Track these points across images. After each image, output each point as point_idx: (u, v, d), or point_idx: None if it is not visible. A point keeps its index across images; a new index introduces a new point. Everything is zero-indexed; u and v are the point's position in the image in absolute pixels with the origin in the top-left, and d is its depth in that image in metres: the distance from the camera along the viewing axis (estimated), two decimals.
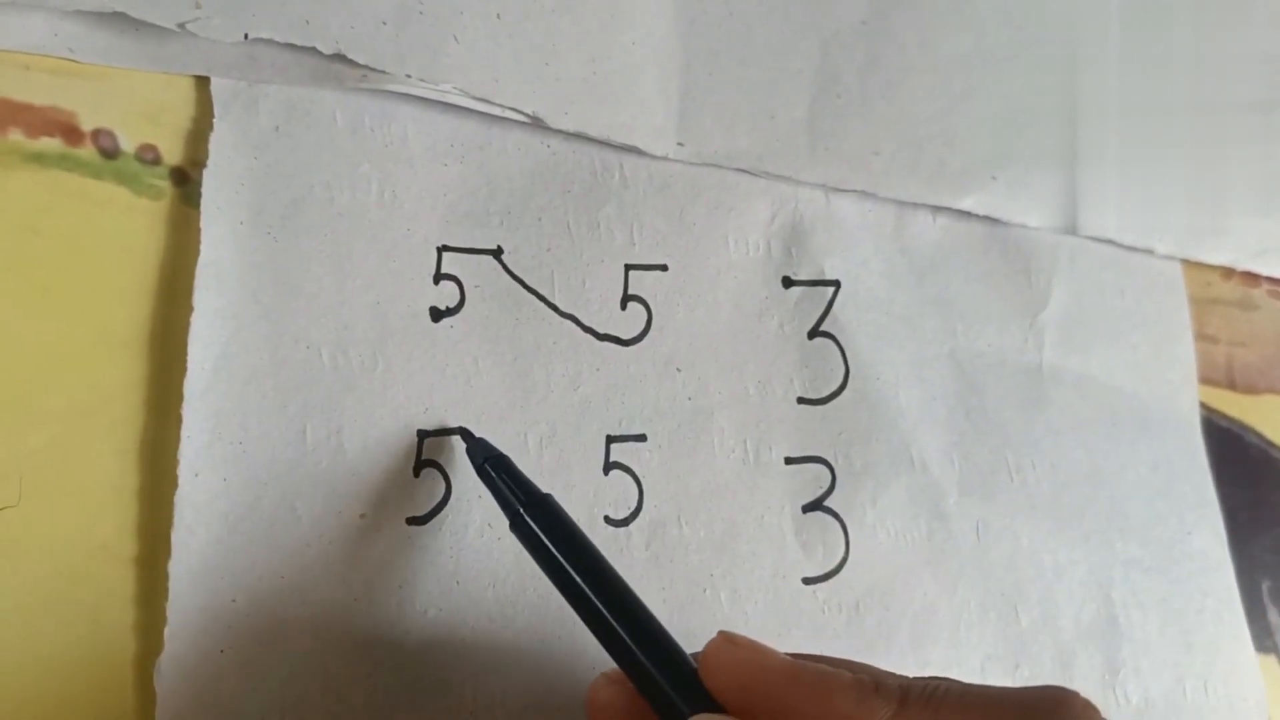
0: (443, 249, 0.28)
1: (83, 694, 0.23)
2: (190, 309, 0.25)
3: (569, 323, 0.29)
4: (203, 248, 0.25)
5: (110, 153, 0.26)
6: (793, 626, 0.30)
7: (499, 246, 0.29)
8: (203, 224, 0.26)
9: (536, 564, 0.25)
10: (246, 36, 0.26)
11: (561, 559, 0.24)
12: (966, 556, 0.33)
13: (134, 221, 0.26)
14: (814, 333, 0.32)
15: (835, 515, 0.31)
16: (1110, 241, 0.37)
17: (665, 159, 0.31)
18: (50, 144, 0.25)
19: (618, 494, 0.29)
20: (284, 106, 0.27)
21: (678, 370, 0.30)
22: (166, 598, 0.24)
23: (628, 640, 0.23)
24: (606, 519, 0.29)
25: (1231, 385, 0.39)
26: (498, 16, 0.29)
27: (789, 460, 0.31)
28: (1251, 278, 0.40)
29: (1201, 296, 0.39)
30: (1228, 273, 0.39)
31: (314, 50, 0.27)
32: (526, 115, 0.29)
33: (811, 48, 0.33)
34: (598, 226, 0.30)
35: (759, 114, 0.32)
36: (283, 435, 0.25)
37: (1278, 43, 0.40)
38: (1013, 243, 0.36)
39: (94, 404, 0.25)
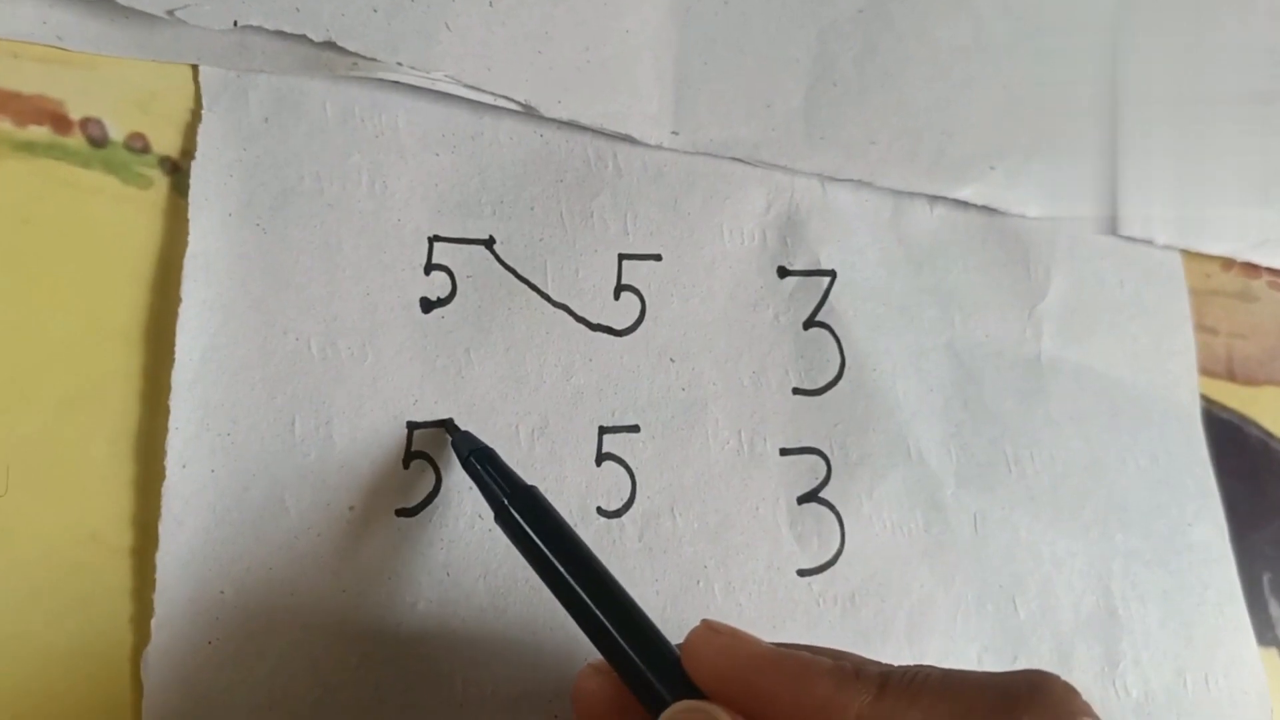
0: (434, 239, 0.28)
1: (76, 685, 0.24)
2: (179, 299, 0.25)
3: (562, 313, 0.29)
4: (191, 239, 0.25)
5: (99, 141, 0.26)
6: (787, 618, 0.30)
7: (491, 236, 0.29)
8: (191, 215, 0.25)
9: (522, 556, 0.25)
10: (236, 24, 0.26)
11: (546, 550, 0.24)
12: (964, 548, 0.33)
13: (123, 210, 0.26)
14: (809, 323, 0.32)
15: (831, 507, 0.31)
16: (1110, 232, 0.37)
17: (660, 148, 0.31)
18: (39, 132, 0.25)
19: (610, 485, 0.29)
20: (273, 97, 0.27)
21: (671, 361, 0.30)
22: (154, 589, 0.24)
23: (611, 630, 0.23)
24: (599, 510, 0.29)
25: (1231, 377, 0.38)
26: (490, 4, 0.29)
27: (784, 451, 0.31)
28: (1252, 269, 0.39)
29: (1201, 287, 0.38)
30: (1228, 264, 0.39)
31: (304, 38, 0.27)
32: (519, 104, 0.29)
33: (808, 36, 0.33)
34: (591, 216, 0.30)
35: (755, 102, 0.32)
36: (271, 427, 0.25)
37: (1278, 33, 0.39)
38: (1011, 233, 0.35)
39: (84, 393, 0.24)
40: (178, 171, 0.26)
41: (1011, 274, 0.35)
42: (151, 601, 0.24)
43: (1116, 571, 0.34)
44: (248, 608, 0.25)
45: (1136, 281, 0.37)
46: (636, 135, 0.30)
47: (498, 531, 0.26)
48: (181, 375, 0.25)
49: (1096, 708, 0.31)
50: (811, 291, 0.32)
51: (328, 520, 0.26)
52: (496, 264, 0.29)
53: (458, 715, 0.26)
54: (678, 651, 0.23)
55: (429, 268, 0.28)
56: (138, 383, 0.25)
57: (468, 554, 0.27)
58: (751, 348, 0.31)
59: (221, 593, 0.24)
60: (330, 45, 0.27)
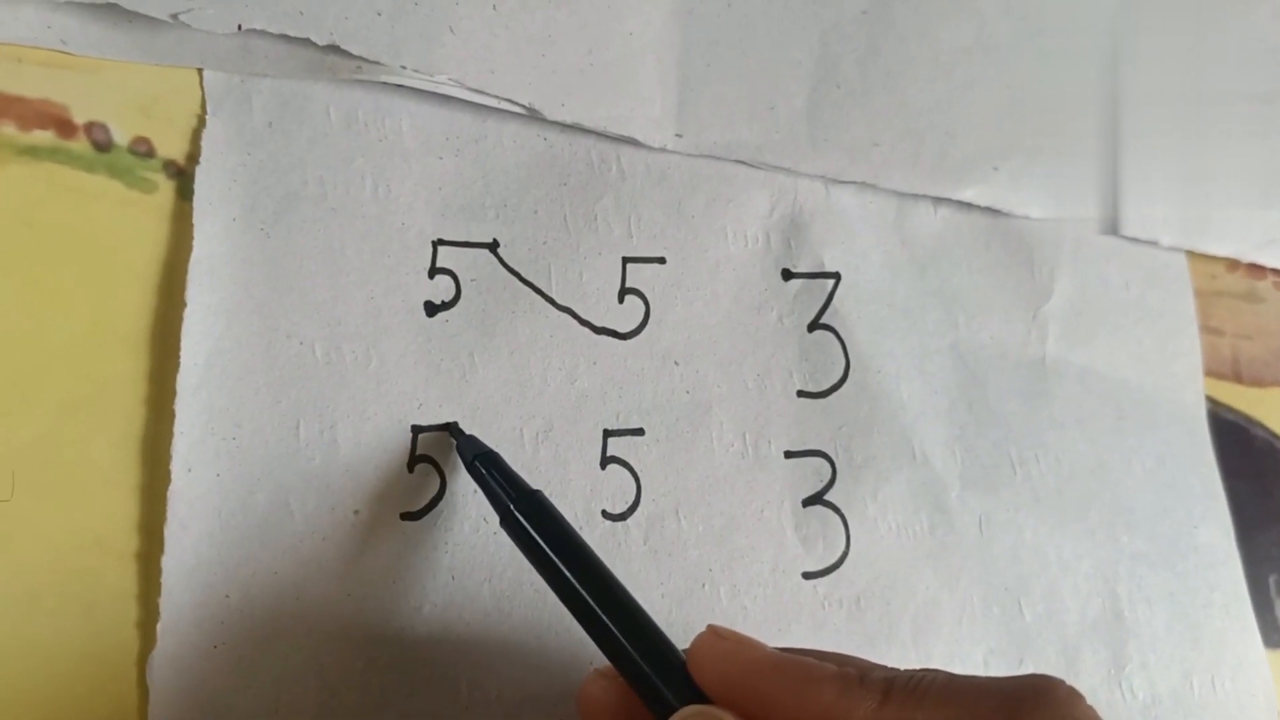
0: (438, 243, 0.28)
1: (81, 690, 0.23)
2: (184, 303, 0.25)
3: (566, 316, 0.29)
4: (195, 244, 0.25)
5: (103, 146, 0.26)
6: (793, 622, 0.30)
7: (495, 240, 0.29)
8: (195, 220, 0.25)
9: (527, 560, 0.24)
10: (240, 28, 0.26)
11: (552, 554, 0.24)
12: (969, 550, 0.33)
13: (127, 215, 0.26)
14: (814, 325, 0.32)
15: (836, 509, 0.31)
16: (1114, 233, 0.37)
17: (663, 150, 0.31)
18: (43, 137, 0.25)
19: (615, 488, 0.29)
20: (277, 101, 0.27)
21: (676, 364, 0.30)
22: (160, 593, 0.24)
23: (617, 634, 0.23)
24: (604, 513, 0.29)
25: (1237, 378, 0.38)
26: (494, 7, 0.29)
27: (789, 454, 0.31)
28: (1257, 270, 0.39)
29: (1207, 289, 0.38)
30: (1233, 265, 0.39)
31: (308, 42, 0.27)
32: (522, 107, 0.29)
33: (811, 38, 0.33)
34: (595, 219, 0.30)
35: (758, 105, 0.32)
36: (276, 431, 0.25)
37: None
38: (1015, 234, 0.35)
39: (88, 398, 0.24)
40: (182, 176, 0.26)
41: (1016, 276, 0.35)
42: (157, 606, 0.24)
43: (1122, 574, 0.34)
44: (253, 612, 0.24)
45: (1141, 283, 0.37)
46: (640, 138, 0.30)
47: (502, 535, 0.26)
48: (186, 380, 0.25)
49: (1103, 711, 0.31)
50: (815, 294, 0.32)
51: (333, 524, 0.26)
52: (500, 267, 0.29)
53: (464, 718, 0.26)
54: (683, 656, 0.23)
55: (433, 271, 0.28)
56: (142, 387, 0.25)
57: (472, 558, 0.27)
58: (756, 350, 0.31)
59: (227, 597, 0.24)
60: (334, 49, 0.27)
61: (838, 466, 0.32)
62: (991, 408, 0.34)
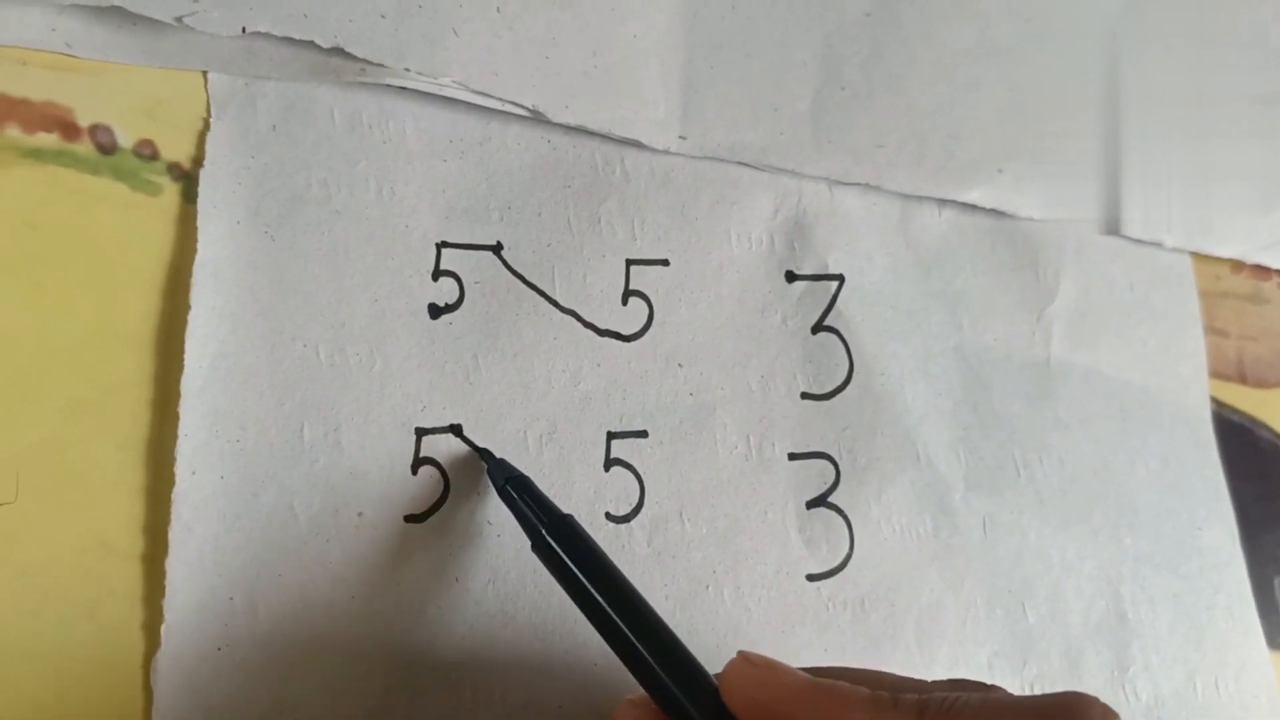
0: (442, 245, 0.28)
1: (86, 691, 0.24)
2: (188, 306, 0.25)
3: (570, 318, 0.29)
4: (200, 246, 0.25)
5: (108, 148, 0.26)
6: (796, 623, 0.30)
7: (499, 242, 0.29)
8: (200, 223, 0.26)
9: (559, 584, 0.25)
10: (244, 30, 0.26)
11: (584, 580, 0.24)
12: (973, 552, 0.33)
13: (132, 217, 0.26)
14: (818, 327, 0.32)
15: (839, 511, 0.31)
16: (1119, 234, 0.36)
17: (667, 153, 0.31)
18: (47, 139, 0.25)
19: (619, 490, 0.29)
20: (281, 104, 0.27)
21: (679, 366, 0.30)
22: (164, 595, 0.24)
23: (650, 661, 0.23)
24: (608, 515, 0.29)
25: (1242, 379, 0.38)
26: (497, 10, 0.29)
27: (792, 456, 0.31)
28: (1262, 271, 0.39)
29: (1211, 290, 0.38)
30: (1238, 266, 0.39)
31: (312, 44, 0.27)
32: (526, 109, 0.29)
33: (815, 40, 0.33)
34: (599, 221, 0.30)
35: (762, 107, 0.32)
36: (280, 433, 0.25)
37: None
38: (1020, 236, 0.35)
39: (92, 400, 0.25)
40: (186, 178, 0.26)
41: (1020, 277, 0.35)
42: (161, 608, 0.24)
43: (1126, 575, 0.34)
44: (257, 614, 0.25)
45: (1146, 284, 0.37)
46: (644, 140, 0.30)
47: (506, 537, 0.26)
48: (191, 382, 0.25)
49: None
50: (819, 296, 0.32)
51: (336, 526, 0.26)
52: (504, 270, 0.29)
53: None
54: (716, 683, 0.23)
55: (437, 274, 0.28)
56: (147, 389, 0.25)
57: (476, 560, 0.27)
58: (759, 352, 0.31)
59: (231, 599, 0.24)
60: (338, 51, 0.27)
61: (841, 468, 0.32)
62: (996, 409, 0.34)
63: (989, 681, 0.31)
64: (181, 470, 0.24)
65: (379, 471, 0.26)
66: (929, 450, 0.33)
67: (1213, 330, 0.38)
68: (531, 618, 0.27)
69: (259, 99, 0.27)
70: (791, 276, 0.32)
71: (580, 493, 0.28)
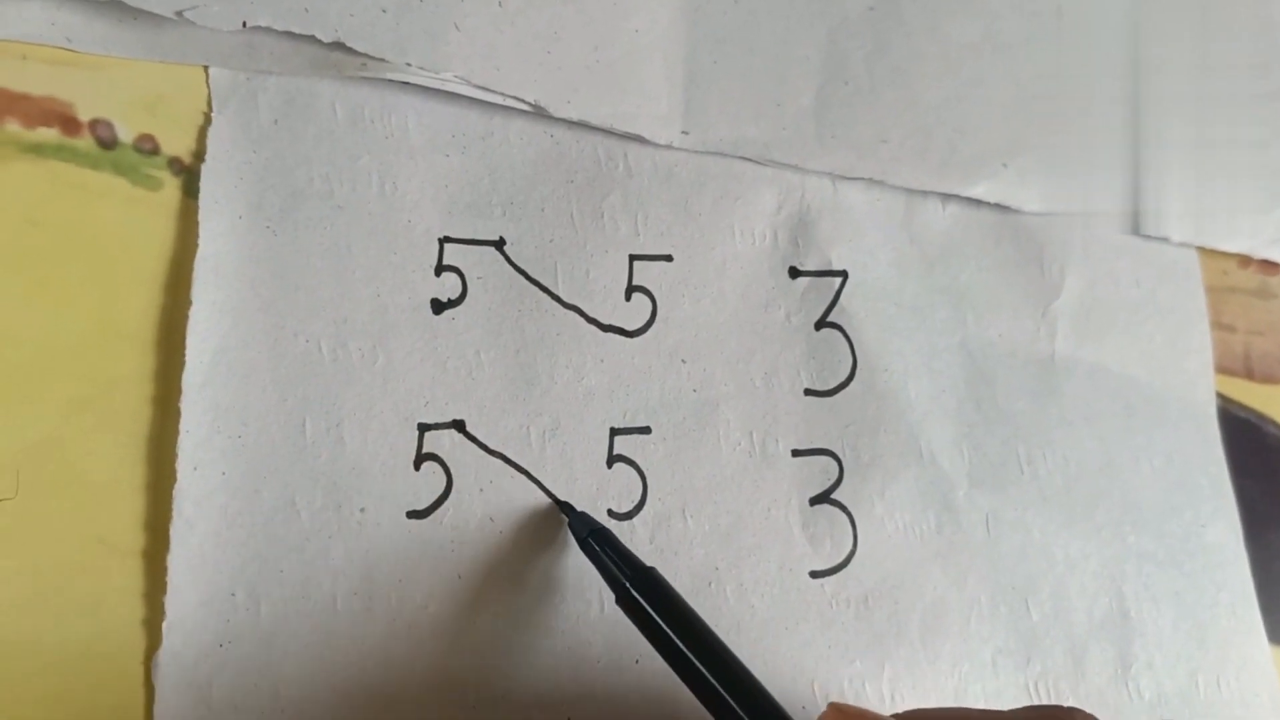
0: (444, 240, 0.28)
1: (86, 688, 0.23)
2: (190, 301, 0.25)
3: (572, 314, 0.29)
4: (201, 241, 0.25)
5: (108, 143, 0.26)
6: (800, 620, 0.30)
7: (501, 237, 0.29)
8: (201, 218, 0.25)
9: (644, 638, 0.25)
10: (245, 25, 0.26)
11: (670, 632, 0.24)
12: (977, 549, 0.32)
13: (133, 212, 0.26)
14: (821, 323, 0.32)
15: (843, 508, 0.31)
16: (1125, 230, 0.36)
17: (670, 148, 0.31)
18: (48, 134, 0.25)
19: (622, 487, 0.29)
20: (283, 99, 0.27)
21: (683, 362, 0.30)
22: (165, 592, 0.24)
23: (739, 713, 0.23)
24: (610, 512, 0.28)
25: (1249, 374, 0.38)
26: (499, 4, 0.29)
27: (796, 452, 0.31)
28: (1269, 265, 0.39)
29: (1218, 285, 0.38)
30: (1244, 260, 0.39)
31: (313, 39, 0.27)
32: (528, 104, 0.29)
33: (818, 34, 0.33)
34: (601, 216, 0.30)
35: (765, 102, 0.32)
36: (282, 429, 0.25)
37: None
38: (1024, 231, 0.35)
39: (93, 396, 0.24)
40: (187, 173, 0.26)
41: (1025, 273, 0.35)
42: (162, 604, 0.24)
43: (1129, 573, 0.34)
44: (259, 610, 0.24)
45: (1152, 279, 0.37)
46: (646, 135, 0.30)
47: (509, 534, 0.26)
48: (192, 377, 0.25)
49: (1110, 711, 0.31)
50: (823, 292, 0.32)
51: (339, 522, 0.25)
52: (507, 265, 0.29)
53: (470, 718, 0.26)
54: None
55: (439, 269, 0.28)
56: (148, 385, 0.25)
57: (479, 556, 0.27)
58: (763, 348, 0.31)
59: (233, 595, 0.24)
60: (339, 46, 0.27)
61: (845, 465, 0.31)
62: (1000, 406, 0.34)
63: (992, 679, 0.31)
64: (183, 466, 0.24)
65: (381, 467, 0.26)
66: (932, 447, 0.33)
67: (1219, 325, 0.38)
68: (535, 615, 0.27)
69: (260, 93, 0.27)
70: (795, 272, 0.32)
71: (583, 489, 0.28)
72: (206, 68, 0.26)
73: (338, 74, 0.27)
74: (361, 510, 0.26)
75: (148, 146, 0.26)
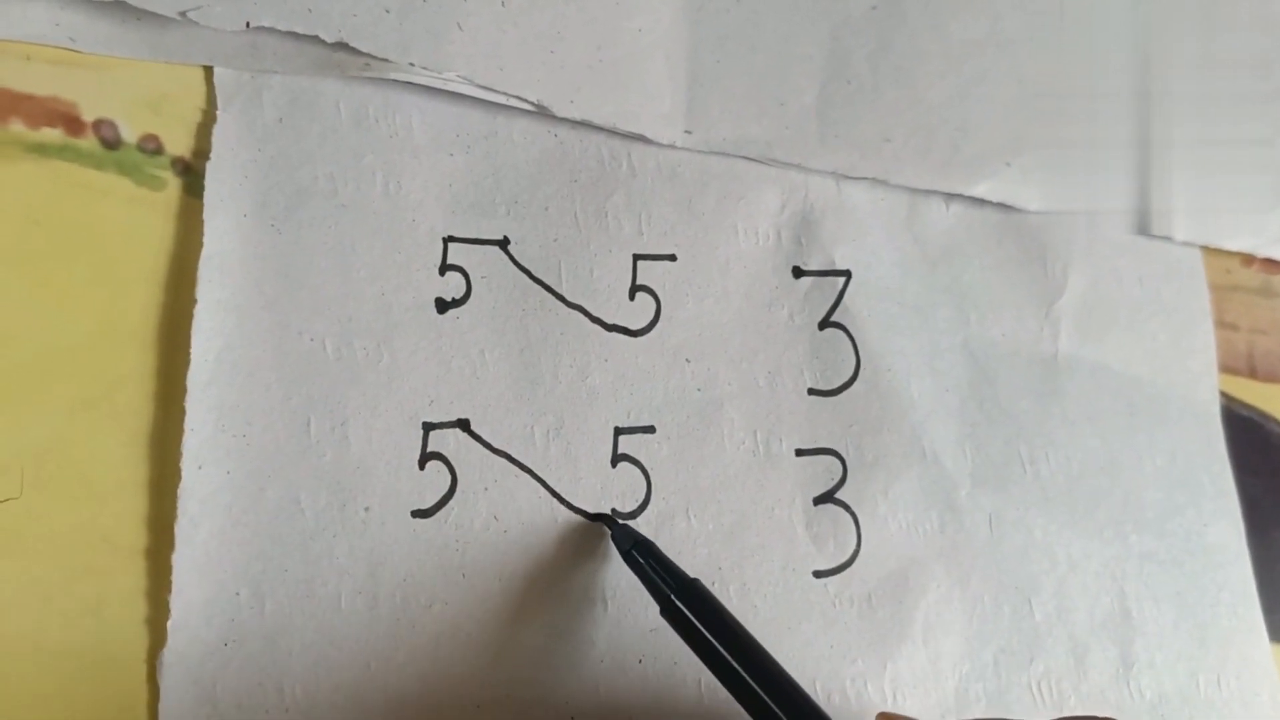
0: (448, 239, 0.28)
1: (90, 687, 0.23)
2: (194, 300, 0.25)
3: (577, 313, 0.29)
4: (206, 240, 0.25)
5: (112, 143, 0.26)
6: (803, 620, 0.30)
7: (505, 237, 0.29)
8: (205, 216, 0.25)
9: (689, 648, 0.25)
10: (248, 25, 0.26)
11: (716, 643, 0.25)
12: (979, 549, 0.32)
13: (136, 212, 0.26)
14: (825, 323, 0.32)
15: (847, 507, 0.31)
16: (1128, 228, 0.36)
17: (673, 147, 0.31)
18: (51, 134, 0.25)
19: (626, 486, 0.29)
20: (287, 97, 0.27)
21: (687, 361, 0.30)
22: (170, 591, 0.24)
23: None
24: (614, 511, 0.28)
25: (1252, 373, 0.38)
26: (502, 4, 0.29)
27: (800, 452, 0.31)
28: (1272, 264, 0.39)
29: (1221, 283, 0.38)
30: (1248, 259, 0.39)
31: (316, 39, 0.27)
32: (532, 103, 0.29)
33: (821, 33, 0.33)
34: (605, 216, 0.30)
35: (768, 101, 0.32)
36: (286, 428, 0.25)
37: None
38: (1028, 230, 0.35)
39: (97, 395, 0.24)
40: (190, 173, 0.26)
41: (1028, 272, 0.35)
42: (167, 603, 0.24)
43: (1131, 573, 0.34)
44: (263, 609, 0.24)
45: (1156, 278, 0.37)
46: (649, 134, 0.30)
47: (514, 533, 0.26)
48: (196, 376, 0.25)
49: (1112, 710, 0.31)
50: (826, 292, 0.32)
51: (343, 521, 0.25)
52: (511, 264, 0.29)
53: (474, 718, 0.26)
54: None
55: (444, 268, 0.28)
56: (152, 384, 0.25)
57: (483, 556, 0.27)
58: (766, 348, 0.31)
59: (237, 594, 0.24)
60: (342, 46, 0.27)
61: (849, 464, 0.31)
62: (1002, 405, 0.34)
63: (994, 679, 0.31)
64: (187, 465, 0.24)
65: (386, 466, 0.26)
66: (935, 446, 0.33)
67: (1223, 324, 0.38)
68: (539, 614, 0.27)
69: (265, 92, 0.27)
70: (798, 272, 0.32)
71: (587, 488, 0.28)
72: (210, 68, 0.26)
73: (341, 74, 0.27)
74: (366, 509, 0.26)
75: (151, 146, 0.26)
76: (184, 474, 0.24)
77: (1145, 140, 0.37)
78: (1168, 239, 0.37)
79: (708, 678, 0.27)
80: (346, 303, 0.26)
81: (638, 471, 0.29)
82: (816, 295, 0.32)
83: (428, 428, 0.27)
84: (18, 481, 0.23)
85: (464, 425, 0.27)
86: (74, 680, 0.23)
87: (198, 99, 0.26)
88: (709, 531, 0.29)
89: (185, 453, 0.24)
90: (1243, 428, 0.37)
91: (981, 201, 0.35)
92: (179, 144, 0.26)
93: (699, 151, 0.31)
